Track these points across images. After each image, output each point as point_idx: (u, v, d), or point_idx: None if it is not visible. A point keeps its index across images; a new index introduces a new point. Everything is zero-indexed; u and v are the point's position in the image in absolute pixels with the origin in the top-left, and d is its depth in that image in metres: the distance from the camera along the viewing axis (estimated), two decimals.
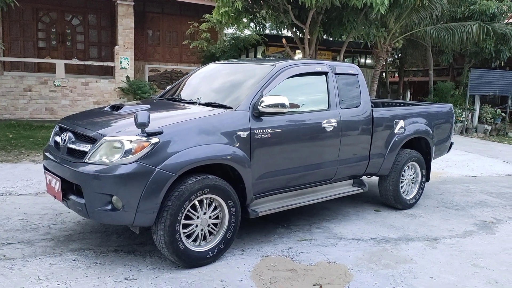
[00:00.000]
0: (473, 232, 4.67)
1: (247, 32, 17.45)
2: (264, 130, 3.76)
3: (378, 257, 3.85)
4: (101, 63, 13.25)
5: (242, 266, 3.53)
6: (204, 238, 3.54)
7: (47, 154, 3.78)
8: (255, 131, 3.70)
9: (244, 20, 11.38)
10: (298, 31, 11.96)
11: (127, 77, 12.44)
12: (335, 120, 4.35)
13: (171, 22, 15.39)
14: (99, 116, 3.96)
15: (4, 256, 3.50)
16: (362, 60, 19.67)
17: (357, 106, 4.67)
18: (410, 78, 22.07)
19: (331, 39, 13.44)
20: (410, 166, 5.36)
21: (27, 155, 7.33)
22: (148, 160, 3.14)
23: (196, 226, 3.46)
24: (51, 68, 12.64)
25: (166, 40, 15.49)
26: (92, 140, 3.33)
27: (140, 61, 14.70)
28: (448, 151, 6.24)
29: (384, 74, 19.63)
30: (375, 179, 5.49)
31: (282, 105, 3.73)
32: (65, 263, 3.42)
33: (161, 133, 3.22)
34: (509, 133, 14.45)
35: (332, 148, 4.39)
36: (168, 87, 5.08)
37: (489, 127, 14.39)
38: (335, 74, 4.55)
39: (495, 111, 14.91)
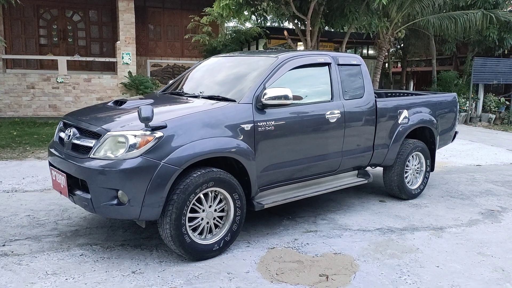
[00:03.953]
0: (478, 221, 4.67)
1: (248, 25, 17.41)
2: (267, 123, 3.75)
3: (384, 247, 3.86)
4: (103, 59, 13.25)
5: (248, 258, 3.54)
6: (210, 231, 3.55)
7: (52, 150, 3.79)
8: (258, 123, 3.69)
9: (245, 12, 11.34)
10: (299, 23, 11.91)
11: (129, 73, 12.44)
12: (339, 111, 4.34)
13: (172, 17, 15.36)
14: (102, 111, 3.97)
15: (12, 252, 3.53)
16: (365, 51, 19.58)
17: (361, 97, 4.65)
18: (413, 68, 21.95)
19: (333, 30, 13.38)
20: (414, 156, 5.35)
21: (32, 152, 7.37)
22: (152, 154, 3.14)
23: (202, 219, 3.47)
24: (53, 65, 12.66)
25: (167, 34, 15.47)
26: (97, 135, 3.34)
27: (142, 56, 14.69)
28: (452, 140, 6.22)
29: (386, 64, 19.53)
30: (379, 169, 5.48)
31: (285, 97, 3.71)
32: (72, 258, 3.44)
33: (165, 127, 3.22)
34: None
35: (336, 139, 4.39)
36: (170, 82, 5.08)
37: (493, 116, 14.33)
38: (338, 65, 4.53)
39: (499, 100, 14.84)
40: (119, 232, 4.01)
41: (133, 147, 3.15)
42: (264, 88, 3.78)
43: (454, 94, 6.21)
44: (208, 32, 13.40)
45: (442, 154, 8.18)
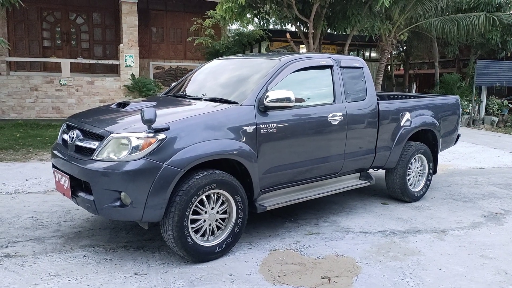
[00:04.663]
0: (481, 223, 4.66)
1: (250, 27, 17.42)
2: (270, 125, 3.76)
3: (386, 250, 3.86)
4: (106, 62, 13.31)
5: (251, 260, 3.55)
6: (212, 233, 3.56)
7: (56, 152, 3.81)
8: (261, 125, 3.70)
9: (248, 15, 11.36)
10: (302, 26, 11.92)
11: (132, 75, 12.48)
12: (341, 114, 4.35)
13: (175, 19, 15.40)
14: (106, 113, 3.98)
15: (15, 253, 3.55)
16: (367, 54, 19.58)
17: (363, 99, 4.65)
18: (415, 70, 21.94)
19: (335, 33, 13.39)
20: (417, 159, 5.35)
21: (35, 154, 7.39)
22: (155, 156, 3.16)
23: (204, 221, 3.47)
24: (57, 67, 12.71)
25: (170, 37, 15.51)
26: (100, 137, 3.35)
27: (145, 58, 14.73)
28: (455, 143, 6.21)
29: (389, 67, 19.52)
30: (382, 172, 5.48)
31: (288, 99, 3.73)
32: (75, 260, 3.45)
33: (167, 129, 3.23)
34: None
35: (338, 141, 4.39)
36: (173, 84, 5.09)
37: (496, 119, 14.29)
38: (340, 67, 4.54)
39: (502, 102, 14.80)
40: (122, 234, 4.02)
41: (136, 149, 3.17)
42: (267, 91, 3.78)
43: (457, 96, 6.20)
44: (210, 35, 13.44)
45: (445, 157, 8.16)
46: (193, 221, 3.41)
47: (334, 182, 4.63)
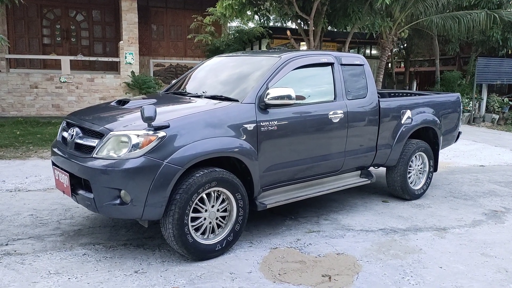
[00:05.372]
0: (482, 221, 4.65)
1: (251, 25, 17.37)
2: (270, 122, 3.75)
3: (387, 248, 3.85)
4: (106, 59, 13.27)
5: (251, 258, 3.54)
6: (213, 231, 3.55)
7: (55, 149, 3.80)
8: (261, 123, 3.69)
9: (248, 12, 11.33)
10: (302, 23, 11.90)
11: (132, 72, 12.45)
12: (342, 111, 4.33)
13: (175, 16, 15.37)
14: (105, 111, 3.97)
15: (15, 251, 3.54)
16: (368, 51, 19.53)
17: (364, 97, 4.64)
18: (416, 68, 21.89)
19: (336, 30, 13.35)
20: (417, 157, 5.33)
21: (35, 152, 7.38)
22: (155, 154, 3.14)
23: (205, 219, 3.46)
24: (57, 65, 12.69)
25: (170, 34, 15.48)
26: (100, 135, 3.34)
27: (145, 56, 14.70)
28: (455, 140, 6.20)
29: (390, 64, 19.48)
30: (382, 170, 5.47)
31: (288, 97, 3.71)
32: (75, 258, 3.45)
33: (167, 127, 3.22)
34: None
35: (339, 139, 4.37)
36: (173, 81, 5.08)
37: (497, 116, 14.27)
38: (341, 65, 4.52)
39: (503, 100, 14.78)
40: (122, 232, 4.01)
41: (135, 146, 3.15)
42: (267, 88, 3.77)
43: (458, 94, 6.18)
44: (211, 32, 13.40)
45: (446, 155, 8.15)
46: (194, 219, 3.40)
47: (334, 180, 4.62)
